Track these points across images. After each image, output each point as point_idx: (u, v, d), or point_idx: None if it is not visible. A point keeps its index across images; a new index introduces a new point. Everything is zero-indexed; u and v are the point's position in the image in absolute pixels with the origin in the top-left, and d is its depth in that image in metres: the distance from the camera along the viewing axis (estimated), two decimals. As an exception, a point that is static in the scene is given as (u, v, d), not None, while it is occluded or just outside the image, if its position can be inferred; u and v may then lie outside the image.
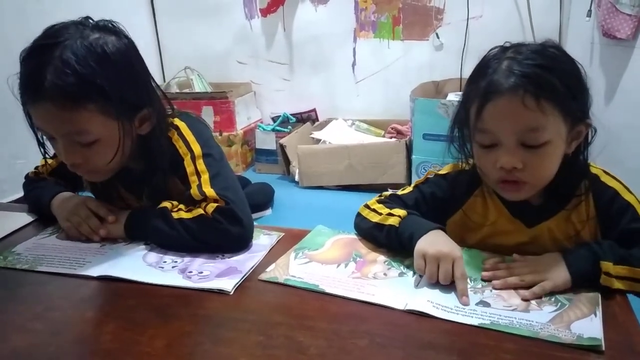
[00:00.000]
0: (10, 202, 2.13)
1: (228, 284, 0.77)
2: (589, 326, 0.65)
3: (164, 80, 3.16)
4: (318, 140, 2.75)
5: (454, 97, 2.47)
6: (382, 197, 0.94)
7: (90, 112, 0.82)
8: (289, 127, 2.92)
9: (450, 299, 0.72)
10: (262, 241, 0.92)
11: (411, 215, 0.85)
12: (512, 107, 0.73)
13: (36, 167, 1.09)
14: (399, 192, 0.95)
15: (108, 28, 0.86)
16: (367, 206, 0.93)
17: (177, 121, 0.96)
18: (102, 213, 0.94)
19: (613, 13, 1.90)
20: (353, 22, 2.88)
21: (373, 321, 0.69)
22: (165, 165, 0.93)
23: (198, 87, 3.03)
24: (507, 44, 0.79)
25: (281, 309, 0.73)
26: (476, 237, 0.90)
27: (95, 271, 0.82)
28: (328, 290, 0.76)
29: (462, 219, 0.91)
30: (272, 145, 2.84)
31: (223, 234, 0.87)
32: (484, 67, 0.78)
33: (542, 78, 0.72)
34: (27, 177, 1.10)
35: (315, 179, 2.61)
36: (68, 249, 0.91)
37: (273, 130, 2.89)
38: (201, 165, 0.92)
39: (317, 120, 3.04)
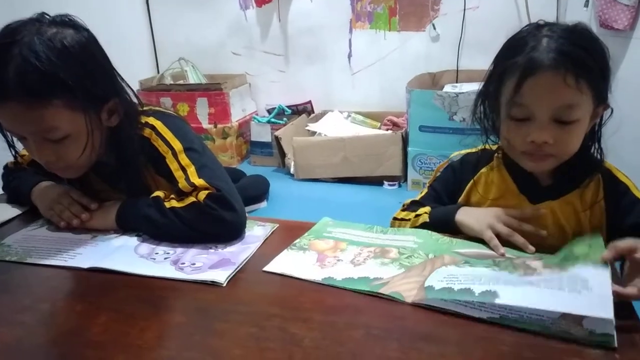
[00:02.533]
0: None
1: (221, 276, 0.76)
2: (600, 321, 0.62)
3: (158, 72, 3.13)
4: (314, 133, 2.73)
5: (451, 88, 2.46)
6: (405, 206, 1.00)
7: (57, 107, 0.80)
8: (285, 119, 2.90)
9: (461, 292, 0.68)
10: (256, 232, 0.91)
11: (434, 207, 0.93)
12: (553, 84, 0.74)
13: (15, 157, 1.07)
14: (417, 197, 1.00)
15: (65, 22, 0.84)
16: (395, 219, 0.98)
17: (152, 120, 0.95)
18: (84, 201, 0.94)
19: (610, 4, 1.89)
20: (349, 13, 2.85)
21: (370, 313, 0.68)
22: (137, 157, 0.93)
23: (192, 78, 3.00)
24: (542, 22, 0.80)
25: (276, 300, 0.72)
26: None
27: (86, 263, 0.81)
28: (339, 278, 0.74)
29: (467, 196, 0.94)
30: (267, 138, 2.83)
31: (217, 220, 0.86)
32: (521, 43, 0.78)
33: (582, 57, 0.74)
34: (6, 167, 1.09)
35: (310, 171, 2.60)
36: (59, 240, 0.90)
37: (268, 122, 2.87)
38: (185, 159, 0.91)
39: (313, 112, 3.03)
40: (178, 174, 0.90)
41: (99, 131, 0.88)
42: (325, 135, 2.67)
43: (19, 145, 0.92)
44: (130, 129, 0.92)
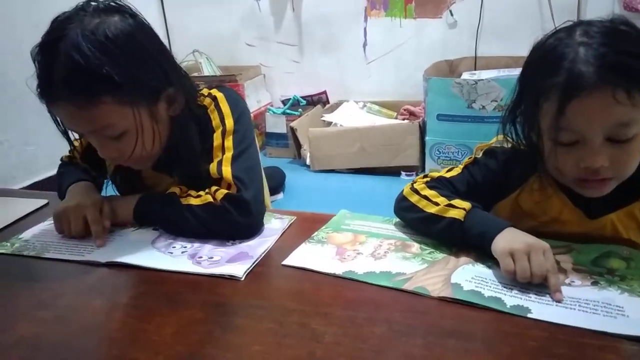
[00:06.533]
0: (21, 188, 2.14)
1: (239, 270, 0.75)
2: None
3: (173, 65, 3.12)
4: (329, 123, 2.71)
5: (469, 75, 2.41)
6: (429, 180, 0.85)
7: (108, 105, 0.77)
8: (300, 110, 2.88)
9: (491, 300, 0.65)
10: (274, 225, 0.89)
11: (476, 208, 0.76)
12: (602, 104, 0.65)
13: (70, 150, 1.04)
14: (446, 174, 0.85)
15: (110, 8, 0.80)
16: (415, 191, 0.82)
17: (215, 91, 0.94)
18: (94, 228, 0.86)
19: (636, -16, 1.82)
20: (364, 1, 2.81)
21: (391, 307, 0.66)
22: (197, 143, 0.89)
23: (207, 70, 2.99)
24: (570, 23, 0.70)
25: (294, 295, 0.71)
26: (528, 224, 0.80)
27: (103, 257, 0.80)
28: (361, 272, 0.72)
29: (513, 204, 0.83)
30: (282, 129, 2.81)
31: (231, 224, 0.84)
32: (553, 56, 0.68)
33: (629, 67, 0.64)
34: (61, 160, 1.07)
35: (326, 162, 2.58)
36: (76, 234, 0.89)
37: (283, 113, 2.85)
38: (229, 141, 0.89)
39: (328, 103, 3.00)
40: (217, 153, 0.88)
41: (152, 123, 0.83)
42: (340, 125, 2.65)
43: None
44: (191, 116, 0.89)
